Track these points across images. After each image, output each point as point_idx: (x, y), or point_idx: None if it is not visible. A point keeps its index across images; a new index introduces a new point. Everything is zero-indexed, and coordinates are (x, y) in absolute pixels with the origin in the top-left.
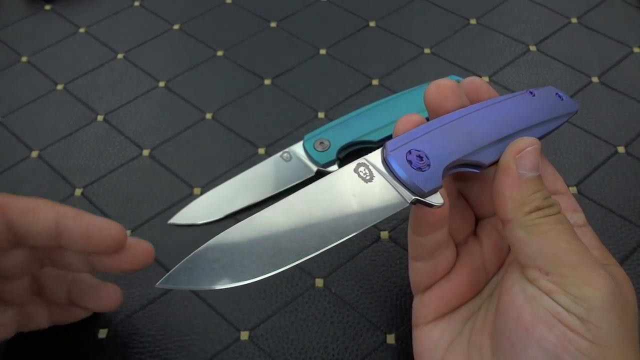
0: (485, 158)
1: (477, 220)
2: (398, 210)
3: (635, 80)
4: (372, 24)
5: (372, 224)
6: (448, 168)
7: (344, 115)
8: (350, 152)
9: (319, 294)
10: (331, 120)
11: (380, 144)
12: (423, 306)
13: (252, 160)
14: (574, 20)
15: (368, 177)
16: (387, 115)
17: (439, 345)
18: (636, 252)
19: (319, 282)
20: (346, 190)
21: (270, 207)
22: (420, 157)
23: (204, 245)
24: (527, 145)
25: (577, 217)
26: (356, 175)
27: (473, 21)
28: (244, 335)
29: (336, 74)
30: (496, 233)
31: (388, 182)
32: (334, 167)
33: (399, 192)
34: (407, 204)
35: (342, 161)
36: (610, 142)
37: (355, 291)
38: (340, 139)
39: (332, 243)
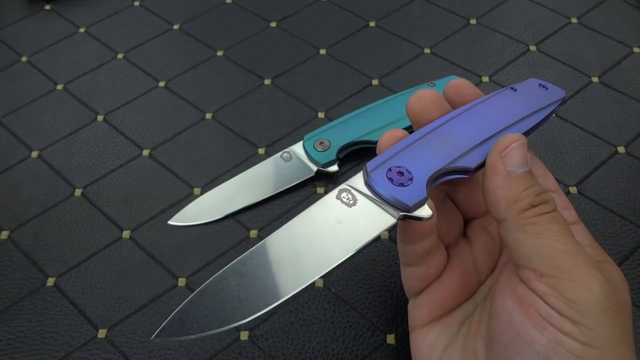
0: (471, 162)
1: (466, 221)
2: (386, 228)
3: (635, 80)
4: (372, 24)
5: (361, 246)
6: (433, 179)
7: (344, 115)
8: (350, 152)
9: (319, 294)
10: (331, 120)
11: None
12: (417, 309)
13: (252, 160)
14: (574, 20)
15: (351, 202)
16: (387, 115)
17: (434, 349)
18: (636, 252)
19: (319, 282)
20: (330, 219)
21: (255, 246)
22: (401, 173)
23: (194, 293)
24: (512, 141)
25: (568, 214)
26: (339, 201)
27: (473, 21)
28: (244, 335)
29: (336, 74)
30: (485, 234)
31: (373, 202)
32: (334, 167)
33: (385, 211)
34: (395, 221)
35: (342, 161)
36: (610, 142)
37: (355, 291)
38: (340, 139)
39: (320, 273)
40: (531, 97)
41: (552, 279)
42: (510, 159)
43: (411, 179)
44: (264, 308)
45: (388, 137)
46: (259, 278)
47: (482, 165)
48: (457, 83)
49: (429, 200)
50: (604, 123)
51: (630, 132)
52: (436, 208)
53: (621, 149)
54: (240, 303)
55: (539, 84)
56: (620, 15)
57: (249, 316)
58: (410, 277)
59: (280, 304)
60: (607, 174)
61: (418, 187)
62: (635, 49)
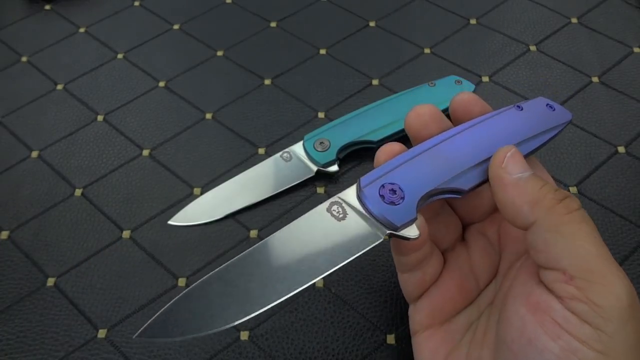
0: (466, 183)
1: (465, 226)
2: (373, 245)
3: (635, 80)
4: (372, 24)
5: (346, 261)
6: (425, 198)
7: (344, 115)
8: (350, 152)
9: (319, 294)
10: (331, 120)
11: (380, 144)
12: (417, 314)
13: (252, 160)
14: (574, 20)
15: (341, 216)
16: (387, 115)
17: (436, 355)
18: (636, 252)
19: (319, 282)
20: (318, 231)
21: (242, 254)
22: (394, 191)
23: (178, 296)
24: (506, 152)
25: None
26: (329, 214)
27: (473, 21)
28: (244, 335)
29: (336, 74)
30: (483, 239)
31: (362, 218)
32: (334, 167)
33: (373, 228)
34: (382, 239)
35: (342, 161)
36: (610, 142)
37: (355, 291)
38: (340, 139)
39: (302, 285)
40: (537, 117)
41: (583, 282)
42: (513, 167)
43: (403, 198)
44: (243, 317)
45: (385, 152)
46: (240, 287)
47: (477, 186)
48: (465, 98)
49: (419, 218)
50: (604, 123)
51: (630, 132)
52: (434, 214)
53: (621, 149)
54: (220, 310)
55: (547, 104)
56: (620, 15)
57: (226, 324)
58: (407, 283)
59: (259, 314)
60: (607, 174)
61: (408, 207)
62: (635, 49)
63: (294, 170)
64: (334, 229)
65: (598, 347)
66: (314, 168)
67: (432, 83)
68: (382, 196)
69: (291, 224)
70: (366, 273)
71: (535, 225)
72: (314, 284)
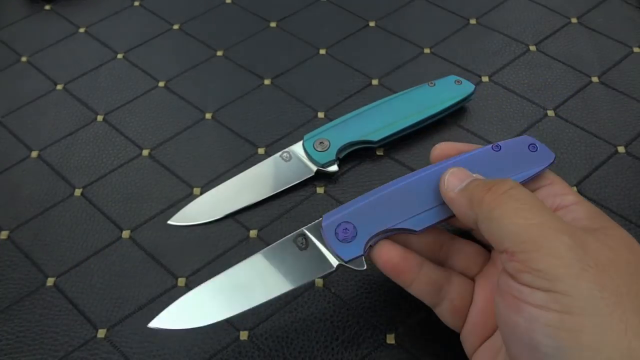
0: (417, 225)
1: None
2: (326, 272)
3: (635, 80)
4: (372, 24)
5: (303, 283)
6: (377, 235)
7: (344, 115)
8: (350, 152)
9: (319, 294)
10: (331, 120)
11: (379, 143)
12: (466, 339)
13: (252, 160)
14: (574, 20)
15: (303, 246)
16: (387, 115)
17: None
18: None
19: (319, 282)
20: (282, 257)
21: (218, 275)
22: (347, 230)
23: (180, 297)
24: (446, 174)
25: (562, 199)
26: (294, 244)
27: (473, 21)
28: (244, 335)
29: (336, 74)
30: None
31: (321, 249)
32: (334, 167)
33: (328, 258)
34: (334, 268)
35: (342, 161)
36: (610, 142)
37: (355, 291)
38: (340, 139)
39: (261, 300)
40: (513, 159)
41: (521, 254)
42: (452, 183)
43: (354, 236)
44: (211, 321)
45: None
46: (215, 299)
47: (434, 226)
48: (439, 148)
49: (379, 246)
50: (604, 123)
51: (630, 132)
52: (454, 252)
53: (621, 149)
54: (193, 315)
55: (530, 144)
56: (620, 15)
57: (203, 324)
58: (443, 315)
59: (234, 316)
60: (607, 174)
61: (358, 245)
62: (635, 49)
63: (293, 170)
64: (296, 256)
65: (557, 307)
66: (314, 168)
67: (432, 83)
68: (336, 233)
69: (263, 251)
70: (366, 273)
71: (478, 221)
72: (314, 283)
